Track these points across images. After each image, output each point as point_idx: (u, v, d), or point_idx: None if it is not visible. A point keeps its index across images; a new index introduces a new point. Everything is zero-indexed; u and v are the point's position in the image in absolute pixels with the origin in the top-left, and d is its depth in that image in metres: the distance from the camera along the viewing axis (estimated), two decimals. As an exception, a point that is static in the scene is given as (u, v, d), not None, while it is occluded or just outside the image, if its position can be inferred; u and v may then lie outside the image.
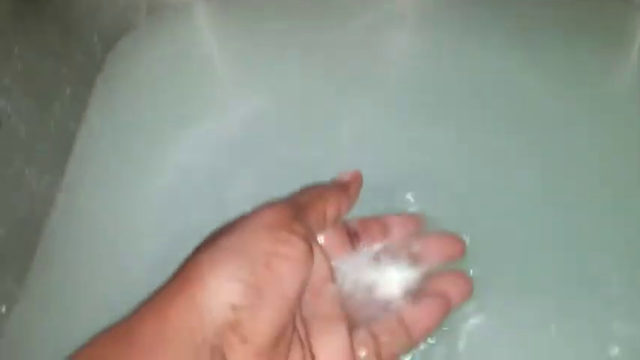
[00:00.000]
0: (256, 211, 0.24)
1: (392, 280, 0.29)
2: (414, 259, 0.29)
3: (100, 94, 0.45)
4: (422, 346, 0.30)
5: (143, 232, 0.38)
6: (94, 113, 0.44)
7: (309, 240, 0.24)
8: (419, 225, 0.31)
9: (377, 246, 0.30)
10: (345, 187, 0.28)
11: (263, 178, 0.39)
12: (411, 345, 0.28)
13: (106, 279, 0.35)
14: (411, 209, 0.35)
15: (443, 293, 0.28)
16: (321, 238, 0.28)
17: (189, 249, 0.24)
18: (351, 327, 0.27)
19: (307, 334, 0.26)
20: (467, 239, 0.31)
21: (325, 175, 0.29)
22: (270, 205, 0.24)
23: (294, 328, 0.25)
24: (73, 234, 0.38)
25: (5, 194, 0.36)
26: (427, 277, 0.29)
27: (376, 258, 0.30)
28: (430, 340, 0.30)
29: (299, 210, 0.25)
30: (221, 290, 0.21)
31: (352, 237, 0.29)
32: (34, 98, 0.39)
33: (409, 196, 0.36)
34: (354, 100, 0.42)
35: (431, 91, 0.42)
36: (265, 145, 0.41)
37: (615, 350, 0.30)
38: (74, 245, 0.38)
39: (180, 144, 0.42)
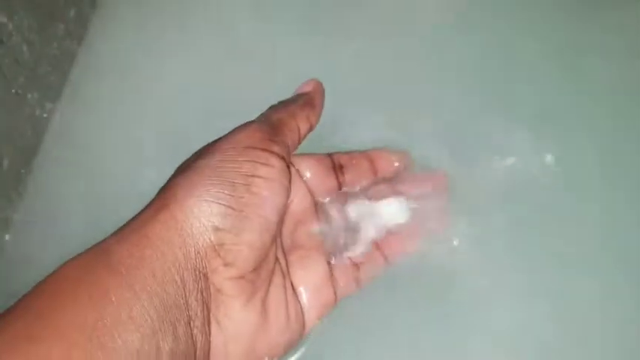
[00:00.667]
0: (233, 134, 0.24)
1: (375, 213, 0.29)
2: (398, 195, 0.30)
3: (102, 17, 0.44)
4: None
5: (140, 156, 0.38)
6: (95, 35, 0.43)
7: (287, 159, 0.24)
8: (405, 161, 0.31)
9: (362, 180, 0.30)
10: (310, 99, 0.27)
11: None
12: (387, 266, 0.28)
13: (99, 202, 0.36)
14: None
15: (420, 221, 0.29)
16: (306, 173, 0.28)
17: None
18: (332, 256, 0.28)
19: (287, 265, 0.26)
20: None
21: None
22: (245, 126, 0.24)
23: (276, 258, 0.25)
24: (67, 156, 0.38)
25: (6, 114, 0.36)
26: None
27: (361, 191, 0.30)
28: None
29: (274, 129, 0.24)
30: (202, 212, 0.21)
31: (337, 170, 0.29)
32: (36, 18, 0.38)
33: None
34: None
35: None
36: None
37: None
38: (69, 168, 0.38)
39: (180, 65, 0.41)
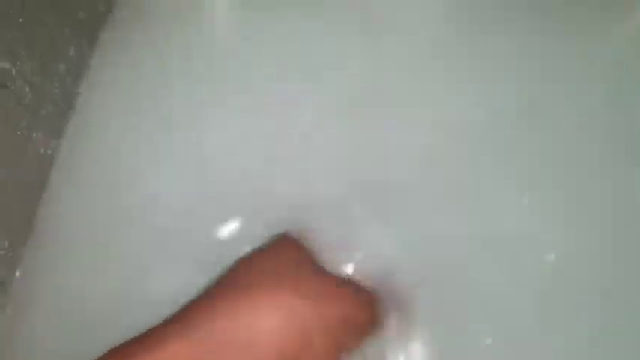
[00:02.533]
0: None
1: None
2: None
3: (103, 52, 0.45)
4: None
5: (144, 194, 0.39)
6: (96, 71, 0.44)
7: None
8: None
9: None
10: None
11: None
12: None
13: (105, 244, 0.37)
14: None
15: None
16: None
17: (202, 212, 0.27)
18: None
19: None
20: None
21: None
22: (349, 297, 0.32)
23: None
24: (75, 191, 0.40)
25: (11, 157, 0.37)
26: None
27: None
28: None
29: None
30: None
31: None
32: (38, 60, 0.39)
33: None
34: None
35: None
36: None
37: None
38: (74, 209, 0.39)
39: (185, 103, 0.42)
